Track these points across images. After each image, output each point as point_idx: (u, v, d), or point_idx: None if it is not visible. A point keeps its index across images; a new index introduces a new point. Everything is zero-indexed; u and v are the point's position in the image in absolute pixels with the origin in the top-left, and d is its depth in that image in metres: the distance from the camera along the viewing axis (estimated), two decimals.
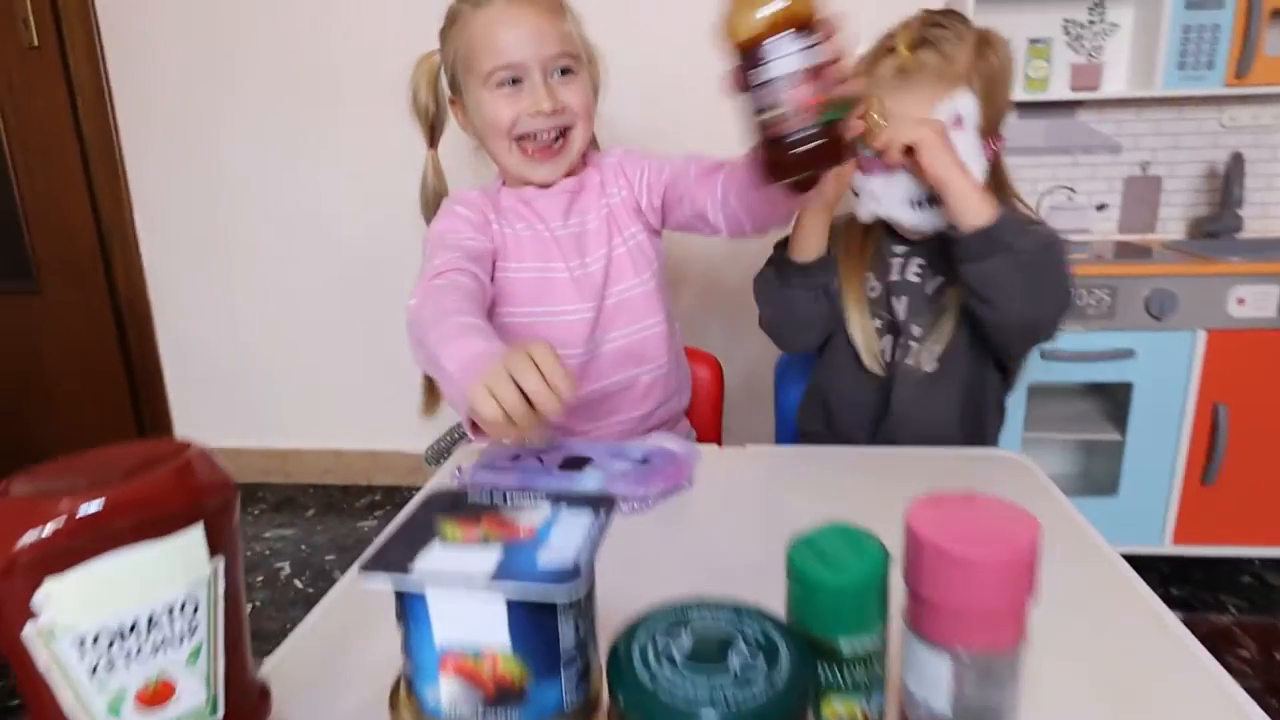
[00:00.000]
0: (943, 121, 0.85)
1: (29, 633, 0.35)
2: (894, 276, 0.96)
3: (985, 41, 0.88)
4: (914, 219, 0.89)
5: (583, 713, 0.39)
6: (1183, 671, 0.49)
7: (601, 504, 0.42)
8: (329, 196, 1.91)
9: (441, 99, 0.96)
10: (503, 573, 0.36)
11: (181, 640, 0.38)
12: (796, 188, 0.71)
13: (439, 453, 1.20)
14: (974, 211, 0.82)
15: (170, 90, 1.90)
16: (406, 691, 0.40)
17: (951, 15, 0.90)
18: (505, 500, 0.43)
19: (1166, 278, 1.48)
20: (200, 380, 2.09)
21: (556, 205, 0.93)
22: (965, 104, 0.85)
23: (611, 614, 0.39)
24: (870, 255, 0.98)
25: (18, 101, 1.95)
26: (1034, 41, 1.71)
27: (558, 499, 0.43)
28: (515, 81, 0.87)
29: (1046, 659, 0.43)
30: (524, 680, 0.37)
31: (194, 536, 0.38)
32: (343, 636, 0.55)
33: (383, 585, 0.37)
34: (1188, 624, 0.52)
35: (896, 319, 0.95)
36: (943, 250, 0.90)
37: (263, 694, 0.44)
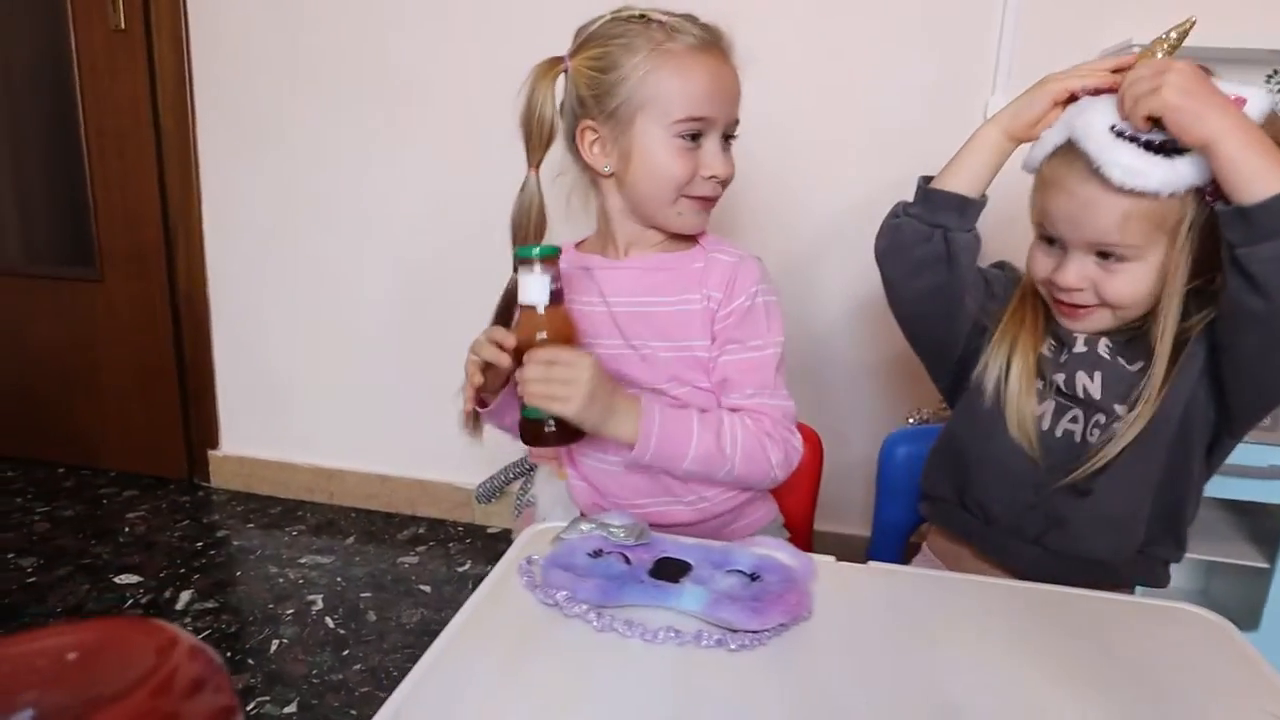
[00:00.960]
0: (1191, 64, 0.67)
1: None
2: (1079, 349, 0.80)
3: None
4: (1136, 162, 0.68)
5: None
6: None
7: None
8: (398, 214, 1.84)
9: (560, 116, 0.84)
10: None
11: None
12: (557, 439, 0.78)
13: (491, 491, 1.13)
14: (1266, 174, 0.62)
15: (251, 85, 1.84)
16: None
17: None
18: None
19: None
20: (251, 387, 2.02)
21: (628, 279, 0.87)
22: (1253, 94, 0.68)
23: None
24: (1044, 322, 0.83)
25: (99, 84, 1.90)
26: None
27: None
28: (695, 136, 0.80)
29: None
30: None
31: None
32: None
33: None
34: None
35: (1075, 391, 0.80)
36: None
37: None
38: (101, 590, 1.60)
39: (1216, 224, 0.68)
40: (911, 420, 1.54)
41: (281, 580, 1.67)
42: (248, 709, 1.32)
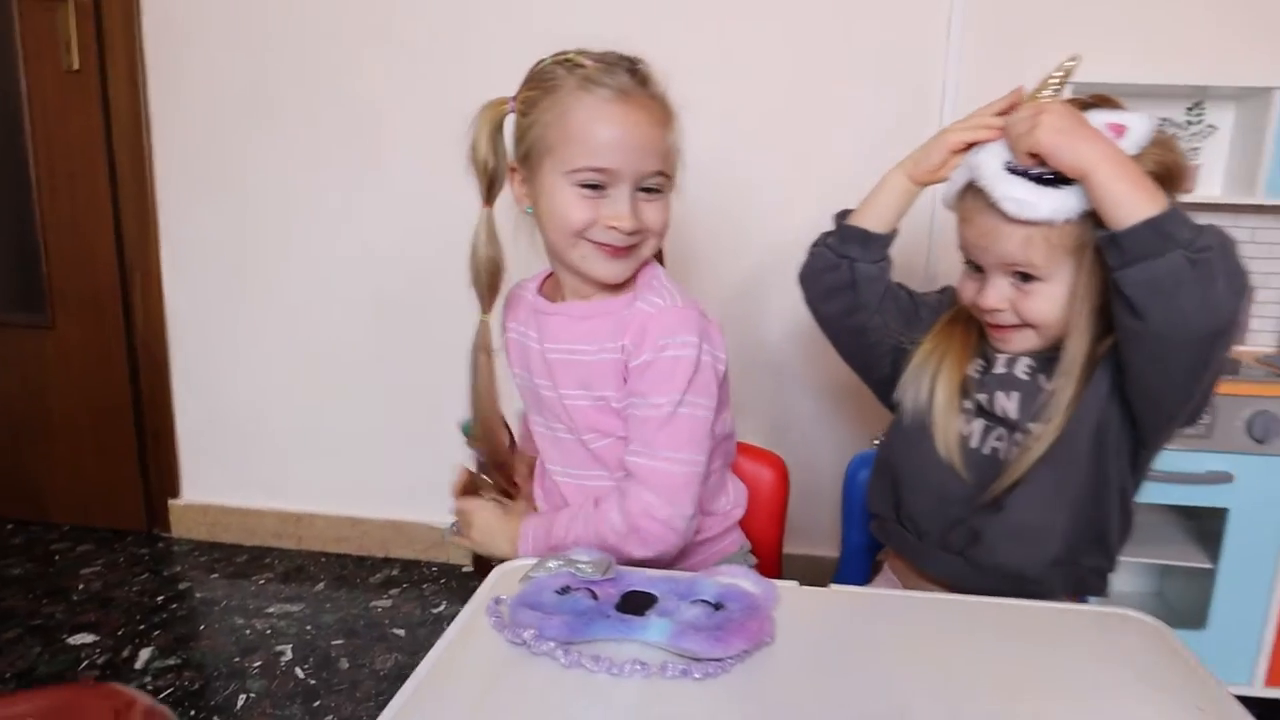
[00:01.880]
0: (1066, 104, 0.73)
1: None
2: (999, 369, 0.84)
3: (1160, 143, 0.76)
4: (1027, 195, 0.73)
5: None
6: None
7: None
8: (362, 251, 1.81)
9: (502, 157, 0.84)
10: None
11: None
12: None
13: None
14: (1134, 201, 0.66)
15: (209, 124, 1.81)
16: None
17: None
18: None
19: (1272, 399, 1.35)
20: (213, 432, 1.96)
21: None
22: (1134, 121, 0.73)
23: None
24: (974, 344, 0.87)
25: (50, 125, 1.86)
26: None
27: None
28: (598, 186, 0.78)
29: None
30: None
31: None
32: None
33: None
34: None
35: (994, 410, 0.83)
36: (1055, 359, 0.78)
37: None
38: (54, 652, 1.52)
39: None
40: (876, 442, 1.55)
41: (248, 631, 1.60)
42: None
